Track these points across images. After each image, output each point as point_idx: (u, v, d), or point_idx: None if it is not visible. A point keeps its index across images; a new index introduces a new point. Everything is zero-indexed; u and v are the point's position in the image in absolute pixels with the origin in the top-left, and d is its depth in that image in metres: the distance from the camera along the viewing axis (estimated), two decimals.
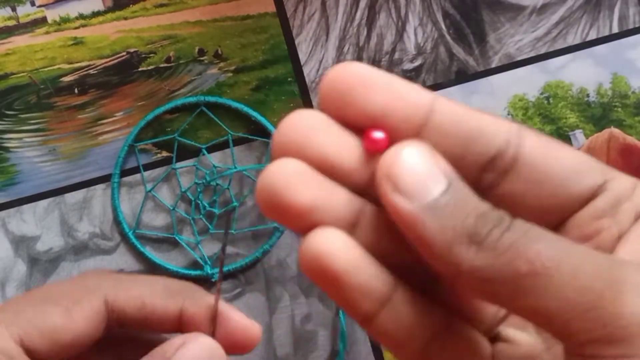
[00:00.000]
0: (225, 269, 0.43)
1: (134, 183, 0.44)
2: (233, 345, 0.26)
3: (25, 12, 0.46)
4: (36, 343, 0.24)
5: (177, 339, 0.25)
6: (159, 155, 0.45)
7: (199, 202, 0.44)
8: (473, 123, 0.19)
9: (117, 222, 0.44)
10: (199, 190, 0.44)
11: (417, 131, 0.19)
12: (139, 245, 0.43)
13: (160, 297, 0.26)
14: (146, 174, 0.44)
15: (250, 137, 0.45)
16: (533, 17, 0.48)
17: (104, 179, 0.44)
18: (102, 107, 0.45)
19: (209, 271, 0.43)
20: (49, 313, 0.24)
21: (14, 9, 0.46)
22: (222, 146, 0.45)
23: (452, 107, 0.19)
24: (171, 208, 0.44)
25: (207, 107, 0.45)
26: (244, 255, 0.44)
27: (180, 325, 0.26)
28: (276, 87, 0.46)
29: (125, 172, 0.44)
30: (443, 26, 0.47)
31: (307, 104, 0.46)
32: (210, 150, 0.45)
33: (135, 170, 0.45)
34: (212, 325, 0.26)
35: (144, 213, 0.44)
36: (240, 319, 0.27)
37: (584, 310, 0.17)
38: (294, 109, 0.48)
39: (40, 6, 0.46)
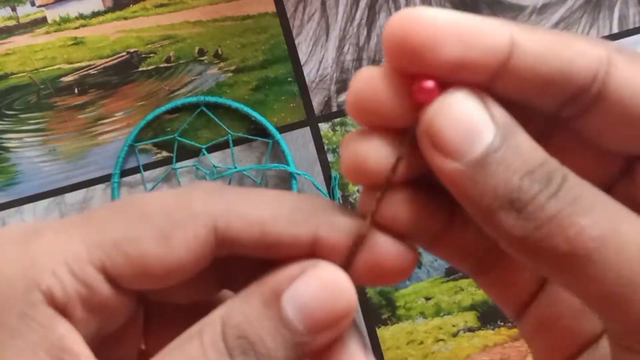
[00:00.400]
0: None
1: (134, 183, 0.44)
2: (377, 274, 0.20)
3: (25, 12, 0.46)
4: (122, 272, 0.19)
5: (293, 268, 0.19)
6: (158, 155, 0.45)
7: None
8: (555, 63, 0.17)
9: None
10: None
11: (492, 78, 0.17)
12: None
13: (286, 222, 0.19)
14: (146, 174, 0.44)
15: (250, 137, 0.45)
16: (533, 17, 0.48)
17: (104, 179, 0.44)
18: (102, 107, 0.45)
19: None
20: (142, 237, 0.19)
21: (14, 9, 0.46)
22: (222, 146, 0.45)
23: (533, 45, 0.17)
24: None
25: (207, 107, 0.45)
26: None
27: (314, 256, 0.20)
28: (276, 87, 0.46)
29: (125, 172, 0.44)
30: None
31: (307, 103, 0.46)
32: (210, 150, 0.45)
33: (135, 170, 0.45)
34: (352, 250, 0.19)
35: None
36: (391, 243, 0.19)
37: (623, 299, 0.15)
38: (294, 108, 0.47)
39: (40, 6, 0.46)
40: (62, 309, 0.18)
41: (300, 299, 0.18)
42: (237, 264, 0.21)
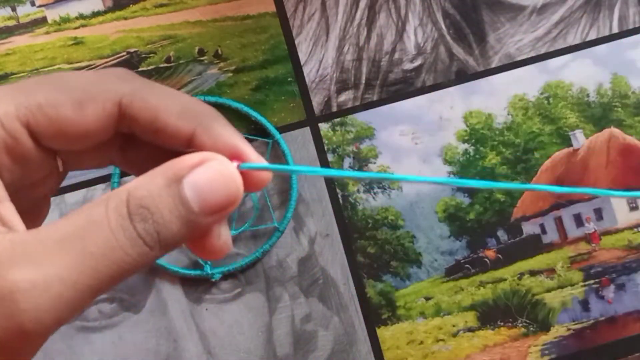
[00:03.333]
0: (225, 268, 0.43)
1: None
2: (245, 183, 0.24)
3: (25, 12, 0.46)
4: (42, 129, 0.23)
5: (193, 156, 0.22)
6: None
7: None
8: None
9: None
10: None
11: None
12: None
13: (174, 116, 0.24)
14: None
15: (250, 137, 0.45)
16: (533, 17, 0.48)
17: (104, 179, 0.44)
18: None
19: (209, 271, 0.43)
20: (61, 102, 0.23)
21: (14, 9, 0.46)
22: None
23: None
24: None
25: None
26: (244, 255, 0.44)
27: (191, 148, 0.24)
28: (276, 87, 0.46)
29: (125, 172, 0.44)
30: (443, 26, 0.47)
31: (307, 103, 0.46)
32: None
33: None
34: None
35: None
36: (257, 158, 0.24)
37: None
38: (294, 108, 0.47)
39: (40, 6, 0.46)
40: None
41: (199, 184, 0.22)
42: (143, 150, 0.26)
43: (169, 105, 0.24)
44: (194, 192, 0.22)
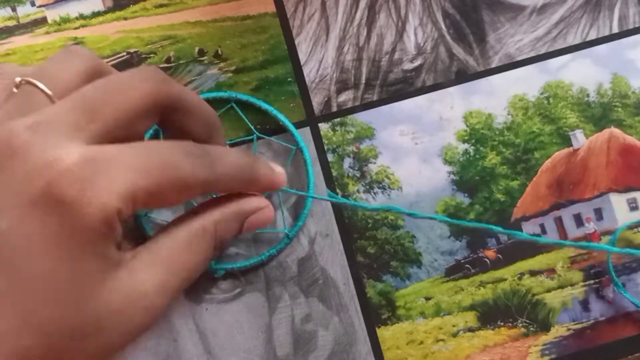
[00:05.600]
0: (228, 266, 0.43)
1: None
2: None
3: (25, 12, 0.46)
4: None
5: (249, 202, 0.31)
6: None
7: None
8: None
9: None
10: None
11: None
12: (148, 230, 0.43)
13: (200, 128, 0.30)
14: None
15: (276, 140, 0.44)
16: (533, 17, 0.48)
17: None
18: None
19: (213, 266, 0.43)
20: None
21: (14, 9, 0.46)
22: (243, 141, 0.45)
23: None
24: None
25: (236, 104, 0.45)
26: (243, 255, 0.44)
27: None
28: (276, 87, 0.46)
29: None
30: (443, 26, 0.47)
31: (307, 103, 0.46)
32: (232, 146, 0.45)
33: None
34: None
35: None
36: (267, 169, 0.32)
37: None
38: (294, 108, 0.47)
39: (40, 6, 0.46)
40: None
41: (252, 223, 0.31)
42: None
43: (196, 115, 0.29)
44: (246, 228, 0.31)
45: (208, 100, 0.45)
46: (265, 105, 0.44)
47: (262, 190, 0.31)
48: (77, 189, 0.22)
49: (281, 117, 0.44)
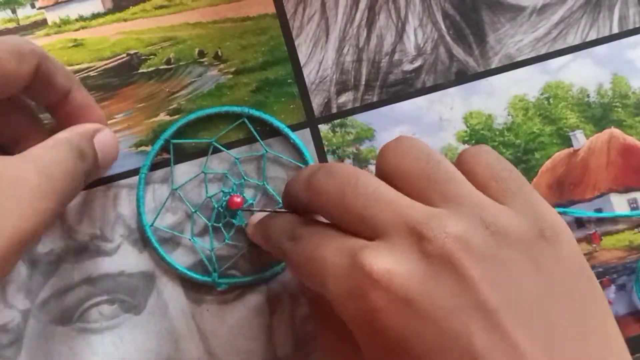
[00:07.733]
0: (232, 280, 0.43)
1: (161, 178, 0.44)
2: None
3: (25, 14, 0.46)
4: None
5: (89, 125, 0.38)
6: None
7: (221, 210, 0.43)
8: None
9: (137, 213, 0.43)
10: (223, 198, 0.43)
11: None
12: (154, 241, 0.43)
13: (63, 78, 0.37)
14: (162, 172, 0.44)
15: (285, 158, 0.44)
16: (533, 18, 0.48)
17: (104, 180, 0.44)
18: (102, 109, 0.45)
19: (216, 279, 0.43)
20: (6, 57, 0.33)
21: (14, 11, 0.46)
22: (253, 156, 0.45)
23: None
24: (193, 211, 0.43)
25: (248, 119, 0.44)
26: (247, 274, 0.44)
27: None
28: (276, 89, 0.46)
29: (132, 171, 0.44)
30: (443, 27, 0.47)
31: (307, 105, 0.46)
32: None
33: (165, 164, 0.44)
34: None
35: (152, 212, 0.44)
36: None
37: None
38: (294, 110, 0.48)
39: (40, 8, 0.46)
40: None
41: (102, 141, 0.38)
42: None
43: (58, 67, 0.37)
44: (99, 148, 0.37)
45: (220, 114, 0.44)
46: (277, 123, 0.44)
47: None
48: None
49: (292, 135, 0.44)
